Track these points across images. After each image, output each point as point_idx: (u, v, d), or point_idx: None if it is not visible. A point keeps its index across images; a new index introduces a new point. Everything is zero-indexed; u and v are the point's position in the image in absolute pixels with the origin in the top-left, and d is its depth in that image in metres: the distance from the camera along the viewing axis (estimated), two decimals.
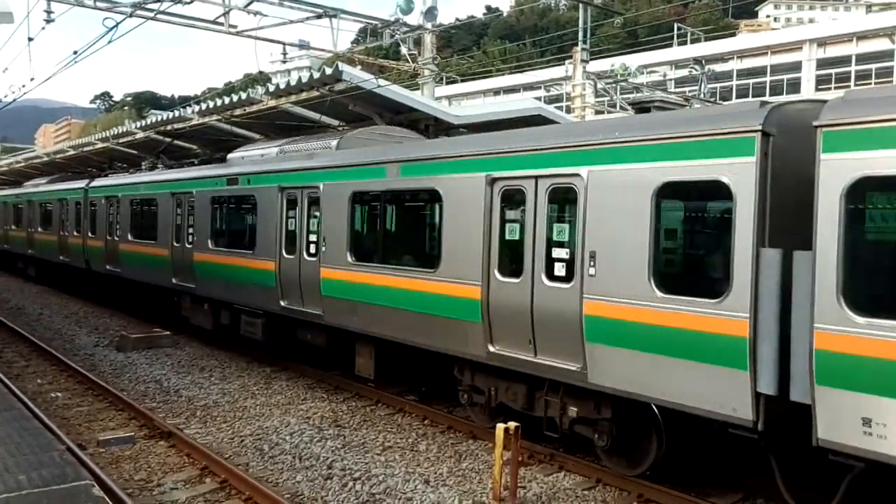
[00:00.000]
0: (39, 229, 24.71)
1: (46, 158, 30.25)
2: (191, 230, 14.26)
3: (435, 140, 12.03)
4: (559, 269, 7.38)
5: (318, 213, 10.72)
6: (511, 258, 7.89)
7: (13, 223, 28.57)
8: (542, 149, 7.59)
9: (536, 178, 7.54)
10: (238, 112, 15.06)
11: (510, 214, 7.94)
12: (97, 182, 20.57)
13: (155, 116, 19.51)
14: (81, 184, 21.30)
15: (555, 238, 7.48)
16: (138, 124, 20.15)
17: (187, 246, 14.27)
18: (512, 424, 7.01)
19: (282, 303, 11.35)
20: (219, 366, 12.89)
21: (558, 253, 7.38)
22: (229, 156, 14.16)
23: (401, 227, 10.08)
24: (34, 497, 5.40)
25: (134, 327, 16.27)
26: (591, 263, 6.96)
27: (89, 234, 19.86)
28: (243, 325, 12.70)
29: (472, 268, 8.10)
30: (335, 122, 14.89)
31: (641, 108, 7.91)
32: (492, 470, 7.16)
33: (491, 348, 7.97)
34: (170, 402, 10.46)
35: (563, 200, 7.42)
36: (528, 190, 7.65)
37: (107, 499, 5.57)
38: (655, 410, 6.87)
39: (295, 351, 12.20)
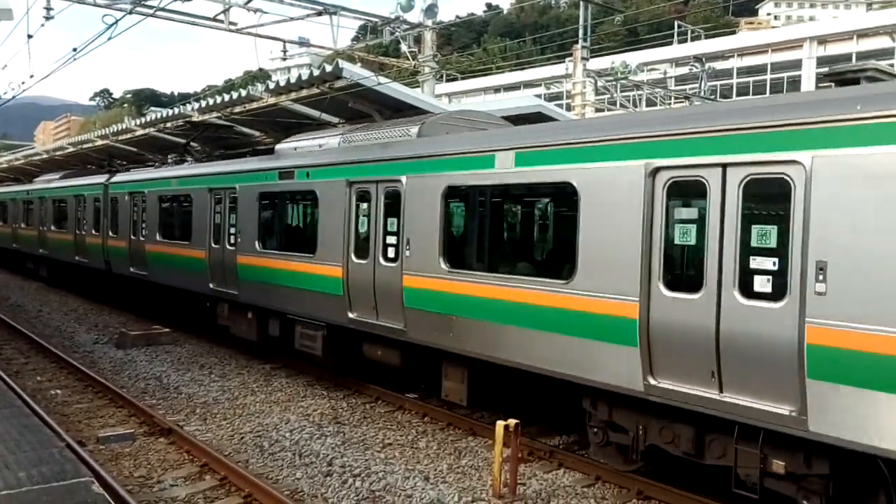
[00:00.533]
0: (53, 228, 23.11)
1: (46, 156, 30.20)
2: (233, 230, 12.74)
3: (562, 122, 10.73)
4: (761, 284, 5.71)
5: (398, 211, 9.18)
6: (683, 267, 6.52)
7: (23, 221, 26.94)
8: (734, 129, 5.90)
9: (724, 166, 5.91)
10: (238, 109, 15.03)
11: (681, 213, 6.41)
12: (119, 177, 18.92)
13: (154, 114, 19.49)
14: (101, 179, 19.67)
15: (755, 244, 5.79)
16: (138, 121, 20.12)
17: (229, 248, 12.76)
18: (512, 421, 7.02)
19: (350, 314, 9.83)
20: (218, 363, 12.89)
21: (760, 263, 5.75)
22: (278, 147, 12.61)
23: (516, 228, 8.75)
24: (34, 494, 5.40)
25: (133, 324, 16.26)
26: (820, 277, 5.27)
27: (110, 234, 18.34)
28: (298, 338, 11.18)
29: (622, 279, 6.55)
30: (335, 120, 14.87)
31: (845, 79, 6.12)
32: (491, 467, 7.17)
33: (651, 381, 6.38)
34: (169, 399, 10.47)
35: (766, 195, 5.80)
36: (710, 182, 6.00)
37: (106, 496, 5.56)
38: (882, 465, 5.43)
39: (361, 369, 10.93)
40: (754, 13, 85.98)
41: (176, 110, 18.02)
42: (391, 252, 9.30)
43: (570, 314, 7.00)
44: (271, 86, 13.98)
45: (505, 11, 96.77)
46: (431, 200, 8.65)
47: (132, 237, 17.02)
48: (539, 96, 30.20)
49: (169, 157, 18.82)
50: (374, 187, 9.62)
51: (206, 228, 13.57)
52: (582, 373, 6.98)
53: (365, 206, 9.84)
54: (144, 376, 11.85)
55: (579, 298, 6.95)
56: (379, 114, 13.29)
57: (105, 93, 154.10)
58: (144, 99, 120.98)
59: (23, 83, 20.52)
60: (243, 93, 14.70)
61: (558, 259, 7.73)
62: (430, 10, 15.12)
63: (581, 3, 21.28)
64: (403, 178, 9.11)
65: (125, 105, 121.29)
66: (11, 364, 12.55)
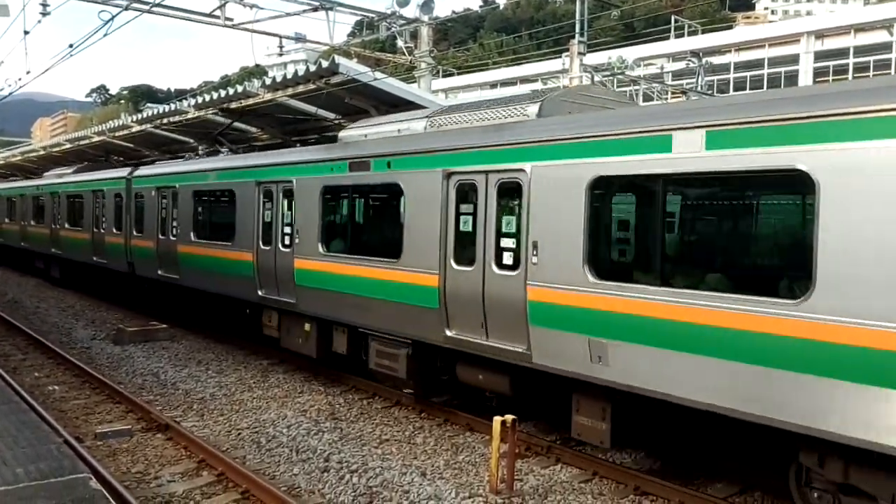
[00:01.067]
0: (67, 226, 21.41)
1: (43, 152, 30.11)
2: (287, 230, 11.18)
3: (768, 92, 8.33)
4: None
5: (518, 208, 7.57)
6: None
7: (33, 218, 25.22)
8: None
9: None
10: (234, 105, 15.00)
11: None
12: (144, 170, 17.07)
13: (151, 110, 19.45)
14: (122, 172, 17.94)
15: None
16: (135, 118, 20.07)
17: (283, 250, 11.19)
18: (509, 417, 7.04)
19: (447, 331, 8.29)
20: (215, 359, 12.89)
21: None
22: (342, 134, 11.13)
23: (706, 228, 6.90)
24: (32, 490, 5.41)
25: (131, 320, 16.26)
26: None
27: (134, 233, 16.65)
28: (374, 357, 9.65)
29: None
30: (331, 115, 14.85)
31: None
32: (489, 462, 7.19)
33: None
34: (167, 395, 10.48)
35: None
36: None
37: (104, 491, 5.57)
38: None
39: (453, 393, 9.53)
40: (751, 8, 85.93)
41: (172, 106, 17.97)
42: (507, 258, 7.66)
43: (802, 344, 5.26)
44: (268, 82, 13.95)
45: (501, 7, 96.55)
46: (570, 193, 6.91)
47: (160, 237, 15.32)
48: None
49: (199, 148, 17.29)
50: (483, 178, 7.95)
51: (253, 228, 11.96)
52: (807, 420, 5.28)
53: (468, 201, 8.24)
54: (142, 372, 11.86)
55: (819, 324, 5.17)
56: (375, 109, 13.27)
57: (102, 89, 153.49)
58: (141, 95, 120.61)
59: (19, 79, 20.52)
60: (239, 89, 14.67)
61: (782, 269, 5.99)
62: (427, 6, 15.09)
63: None
64: (527, 167, 7.39)
65: (122, 101, 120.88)
66: (9, 360, 12.55)
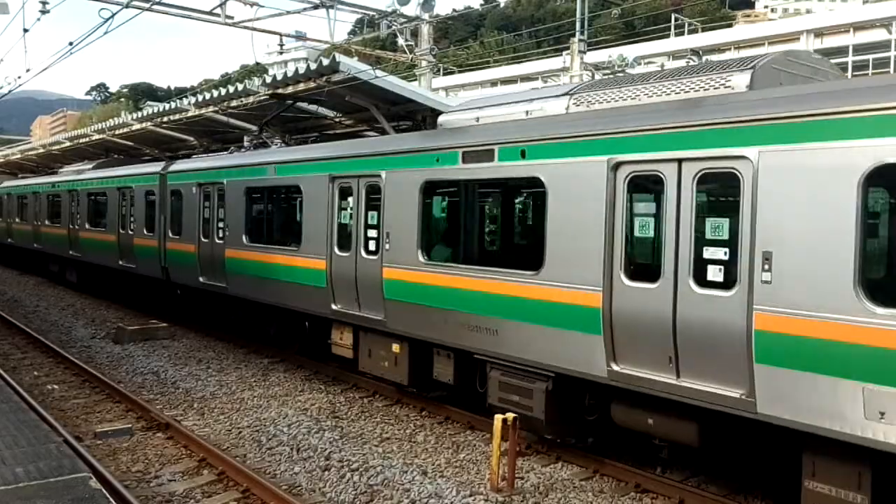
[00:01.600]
0: (88, 226, 19.66)
1: (42, 150, 30.07)
2: (372, 234, 9.59)
3: None
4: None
5: (735, 208, 5.85)
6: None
7: (47, 218, 23.30)
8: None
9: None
10: (235, 103, 14.96)
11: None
12: (181, 164, 15.42)
13: (151, 108, 19.41)
14: (155, 167, 16.33)
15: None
16: (135, 115, 20.04)
17: (366, 257, 9.55)
18: (510, 415, 7.02)
19: (613, 365, 6.66)
20: (216, 357, 12.88)
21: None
22: (443, 118, 9.52)
23: None
24: (31, 490, 5.39)
25: (131, 319, 16.24)
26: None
27: (170, 234, 15.05)
28: (496, 390, 7.88)
29: None
30: (331, 113, 14.82)
31: None
32: (490, 460, 7.17)
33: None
34: (167, 394, 10.46)
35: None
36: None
37: (104, 491, 5.56)
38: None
39: (601, 435, 7.85)
40: (751, 6, 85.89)
41: (173, 104, 17.93)
42: (714, 273, 5.98)
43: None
44: (268, 80, 13.91)
45: (502, 5, 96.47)
46: (831, 188, 5.21)
47: (203, 240, 13.67)
48: (536, 90, 30.05)
49: (245, 139, 15.20)
50: (673, 169, 6.18)
51: (326, 230, 10.33)
52: None
53: (645, 200, 6.77)
54: (142, 371, 11.84)
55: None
56: (376, 107, 13.25)
57: (101, 87, 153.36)
58: (141, 93, 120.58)
59: (19, 77, 20.47)
60: (240, 87, 14.63)
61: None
62: (427, 4, 15.06)
63: None
64: (752, 153, 5.62)
65: (122, 99, 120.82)
66: (9, 359, 12.54)
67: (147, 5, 12.82)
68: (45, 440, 6.59)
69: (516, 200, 8.68)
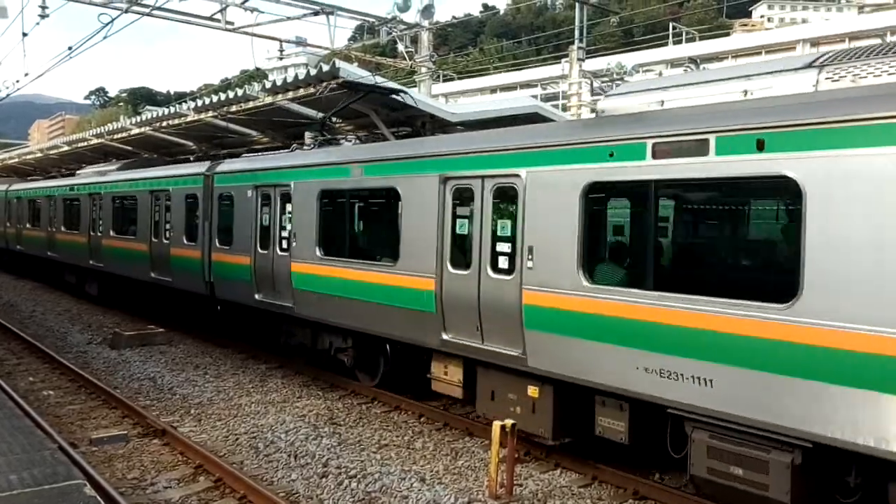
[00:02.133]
0: (113, 234, 17.72)
1: (41, 154, 30.03)
2: (503, 247, 7.77)
3: None
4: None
5: None
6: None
7: (64, 224, 21.29)
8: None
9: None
10: (234, 109, 14.98)
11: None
12: (232, 164, 13.45)
13: (150, 112, 19.40)
14: (198, 168, 14.52)
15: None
16: (134, 120, 20.03)
17: (496, 277, 7.74)
18: (508, 422, 6.99)
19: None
20: (213, 363, 12.82)
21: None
22: (603, 105, 7.72)
23: None
24: (25, 497, 5.34)
25: (127, 325, 16.17)
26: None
27: (216, 244, 13.14)
28: (704, 457, 6.04)
29: None
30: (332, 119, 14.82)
31: None
32: (488, 467, 7.13)
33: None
34: (164, 400, 10.40)
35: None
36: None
37: (99, 498, 5.50)
38: None
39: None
40: (748, 15, 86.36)
41: (172, 109, 17.93)
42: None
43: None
44: (268, 85, 13.93)
45: (501, 12, 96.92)
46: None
47: (260, 251, 11.85)
48: (535, 97, 30.18)
49: (307, 136, 13.58)
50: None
51: (436, 243, 8.52)
52: None
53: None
54: (138, 377, 11.78)
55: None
56: (375, 113, 13.26)
57: (100, 91, 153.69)
58: (140, 98, 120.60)
59: (17, 81, 20.55)
60: (240, 92, 14.65)
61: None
62: (427, 11, 15.11)
63: (577, 4, 21.30)
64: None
65: (121, 104, 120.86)
66: (3, 365, 12.47)
67: (147, 10, 12.85)
68: (39, 447, 6.53)
69: (743, 206, 6.39)
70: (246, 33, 14.57)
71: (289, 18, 14.64)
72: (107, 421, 9.44)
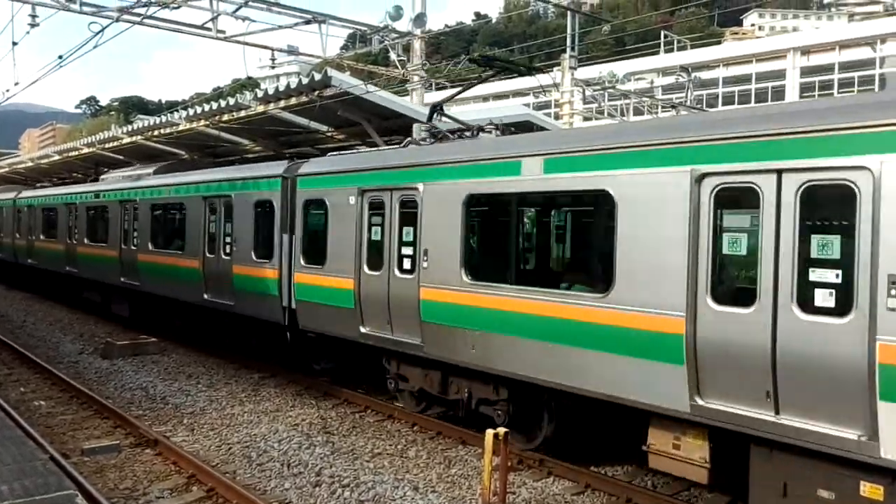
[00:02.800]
0: (151, 247, 15.29)
1: (31, 164, 29.93)
2: (823, 275, 5.32)
3: None
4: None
5: None
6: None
7: (86, 236, 18.91)
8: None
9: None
10: (226, 118, 15.01)
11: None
12: (319, 165, 10.93)
13: (142, 122, 19.39)
14: (272, 169, 11.89)
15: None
16: (125, 129, 20.00)
17: (810, 320, 5.33)
18: (501, 430, 7.00)
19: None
20: (206, 373, 12.77)
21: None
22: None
23: None
24: None
25: (120, 334, 16.09)
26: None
27: (301, 262, 10.73)
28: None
29: None
30: (323, 128, 14.88)
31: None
32: (481, 476, 7.14)
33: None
34: (156, 410, 10.35)
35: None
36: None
37: None
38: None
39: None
40: (739, 24, 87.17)
41: (164, 118, 17.94)
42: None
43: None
44: (260, 94, 13.98)
45: (493, 21, 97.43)
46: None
47: (368, 272, 9.46)
48: (527, 105, 30.35)
49: (416, 130, 10.64)
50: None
51: (686, 268, 6.05)
52: None
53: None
54: (131, 387, 11.72)
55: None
56: (368, 122, 13.33)
57: (91, 100, 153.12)
58: (132, 107, 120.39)
59: (7, 90, 20.48)
60: (232, 101, 14.68)
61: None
62: (419, 20, 15.20)
63: (568, 13, 21.48)
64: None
65: (112, 113, 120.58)
66: None
67: (138, 19, 12.87)
68: (31, 457, 6.50)
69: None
70: (238, 42, 14.61)
71: (281, 27, 14.69)
72: (99, 431, 9.38)
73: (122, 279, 16.49)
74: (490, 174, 7.92)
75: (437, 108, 10.49)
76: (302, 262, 10.76)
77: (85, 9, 13.10)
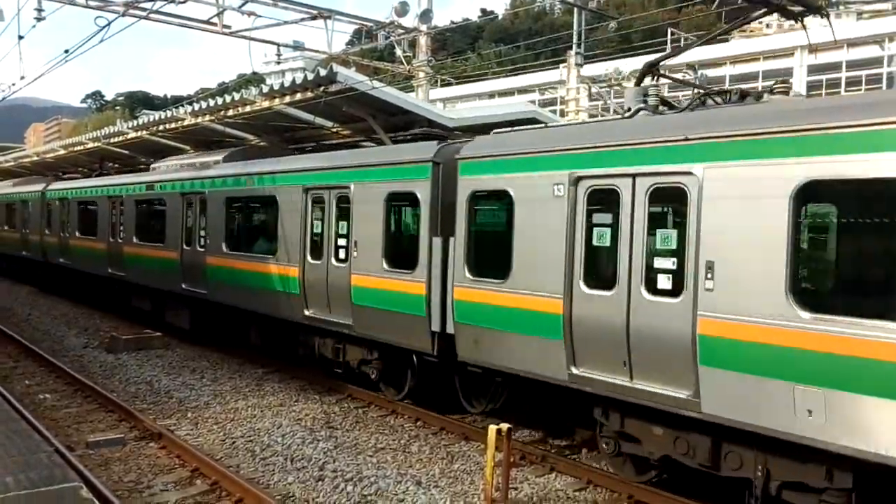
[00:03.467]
0: (225, 249, 12.89)
1: (37, 158, 30.01)
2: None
3: None
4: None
5: None
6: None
7: (136, 235, 16.40)
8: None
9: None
10: (231, 113, 15.00)
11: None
12: (491, 146, 8.33)
13: (147, 116, 19.40)
14: (419, 153, 9.29)
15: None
16: (130, 124, 20.02)
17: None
18: (504, 426, 7.01)
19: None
20: (210, 367, 12.81)
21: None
22: None
23: None
24: (21, 499, 5.34)
25: (125, 329, 16.15)
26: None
27: (466, 274, 8.31)
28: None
29: None
30: (328, 124, 14.86)
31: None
32: (483, 471, 7.15)
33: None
34: (160, 404, 10.40)
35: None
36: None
37: (95, 501, 5.52)
38: None
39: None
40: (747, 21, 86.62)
41: (169, 113, 17.95)
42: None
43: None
44: (265, 89, 13.96)
45: (500, 17, 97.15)
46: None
47: (586, 290, 7.05)
48: (533, 102, 30.29)
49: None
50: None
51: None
52: None
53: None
54: (135, 381, 11.77)
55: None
56: (373, 118, 13.30)
57: (97, 95, 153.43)
58: (137, 101, 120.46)
59: (13, 84, 20.46)
60: (237, 96, 14.67)
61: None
62: (425, 15, 15.17)
63: (575, 9, 21.40)
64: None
65: (117, 108, 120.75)
66: (0, 368, 12.44)
67: (144, 14, 12.86)
68: (36, 449, 6.53)
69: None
70: (243, 37, 14.60)
71: (286, 22, 14.67)
72: (103, 424, 9.44)
73: (183, 286, 14.11)
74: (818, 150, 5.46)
75: (653, 67, 8.07)
76: (466, 273, 8.24)
77: (91, 3, 13.11)
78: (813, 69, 42.01)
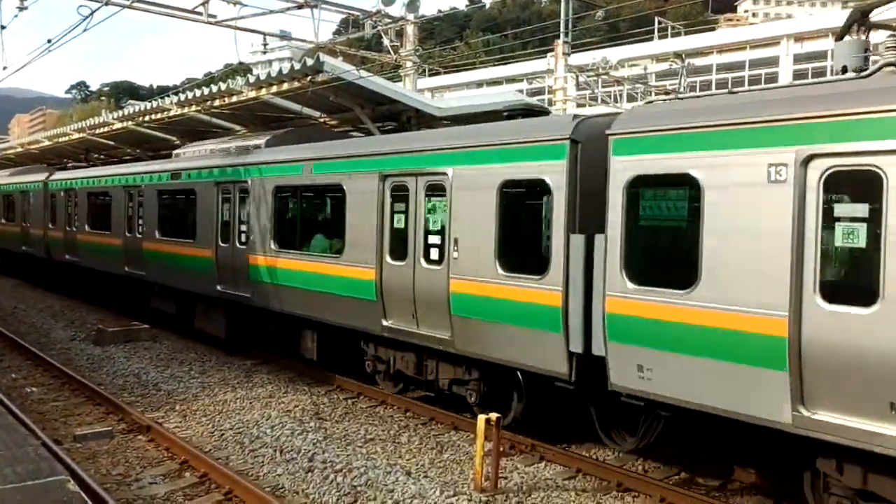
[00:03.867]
0: (273, 246, 11.27)
1: (21, 149, 29.63)
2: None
3: None
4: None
5: None
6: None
7: (158, 230, 14.77)
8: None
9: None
10: (218, 103, 14.87)
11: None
12: (658, 118, 6.50)
13: (133, 107, 19.19)
14: (550, 130, 7.45)
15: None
16: (116, 115, 19.79)
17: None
18: (493, 415, 7.05)
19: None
20: (198, 359, 12.77)
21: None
22: None
23: None
24: (8, 493, 5.32)
25: (112, 321, 16.04)
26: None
27: (625, 282, 6.57)
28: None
29: None
30: (316, 114, 14.78)
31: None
32: (473, 461, 7.19)
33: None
34: (148, 396, 10.36)
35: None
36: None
37: (83, 494, 5.49)
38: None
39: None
40: (733, 10, 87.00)
41: (155, 103, 17.76)
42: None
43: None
44: (252, 79, 13.85)
45: (487, 6, 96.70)
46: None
47: (824, 304, 5.27)
48: (521, 91, 30.26)
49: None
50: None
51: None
52: None
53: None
54: (123, 373, 11.71)
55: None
56: (360, 108, 13.24)
57: (82, 85, 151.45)
58: (122, 92, 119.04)
59: None
60: (223, 86, 14.55)
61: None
62: (412, 4, 15.07)
63: None
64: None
65: (102, 98, 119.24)
66: None
67: (127, 3, 12.68)
68: (22, 443, 6.50)
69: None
70: (229, 26, 14.43)
71: (272, 12, 14.50)
72: (91, 417, 9.39)
73: (218, 287, 12.54)
74: None
75: (866, 16, 6.30)
76: (625, 280, 6.56)
77: None
78: (799, 58, 42.17)
